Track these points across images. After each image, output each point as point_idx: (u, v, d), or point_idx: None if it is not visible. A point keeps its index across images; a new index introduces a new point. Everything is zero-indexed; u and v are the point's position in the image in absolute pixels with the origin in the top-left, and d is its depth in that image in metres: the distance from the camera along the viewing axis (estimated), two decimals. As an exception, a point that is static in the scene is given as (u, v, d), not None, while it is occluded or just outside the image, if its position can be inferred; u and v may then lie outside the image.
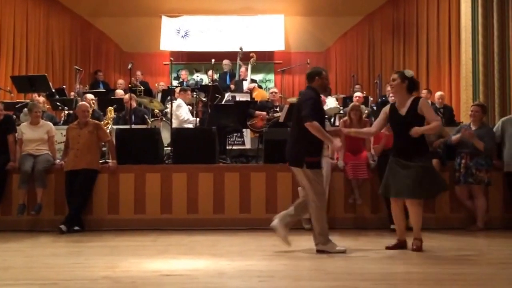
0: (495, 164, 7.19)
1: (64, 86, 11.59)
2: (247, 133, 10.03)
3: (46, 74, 10.36)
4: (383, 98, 11.32)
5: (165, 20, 15.56)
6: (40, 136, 7.42)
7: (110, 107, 8.98)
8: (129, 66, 8.78)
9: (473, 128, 7.17)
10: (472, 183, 7.03)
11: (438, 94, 10.42)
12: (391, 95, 10.54)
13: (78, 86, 10.85)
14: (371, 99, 11.74)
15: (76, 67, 11.27)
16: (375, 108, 11.02)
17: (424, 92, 10.97)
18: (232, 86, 12.13)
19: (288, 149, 5.61)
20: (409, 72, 5.58)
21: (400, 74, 5.55)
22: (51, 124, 7.77)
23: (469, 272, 4.58)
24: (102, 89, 12.42)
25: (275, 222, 5.57)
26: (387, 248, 5.60)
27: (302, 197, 5.73)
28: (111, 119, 8.86)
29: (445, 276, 4.43)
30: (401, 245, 5.61)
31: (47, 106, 9.97)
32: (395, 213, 5.69)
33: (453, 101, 11.18)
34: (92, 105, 9.21)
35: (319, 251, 5.42)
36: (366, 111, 9.85)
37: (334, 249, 5.41)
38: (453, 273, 4.55)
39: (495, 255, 5.54)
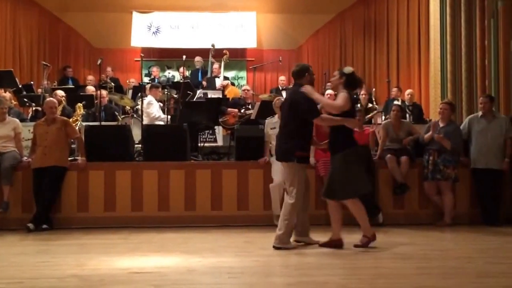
0: (462, 161, 7.33)
1: (32, 82, 11.37)
2: (219, 130, 10.01)
3: (12, 69, 10.18)
4: (355, 96, 11.41)
5: (136, 15, 15.40)
6: (6, 133, 7.28)
7: (79, 104, 8.87)
8: (99, 62, 8.69)
9: (441, 125, 7.29)
10: (440, 180, 7.15)
11: (407, 91, 10.56)
12: (362, 93, 10.68)
13: (45, 82, 10.68)
14: (342, 96, 11.83)
15: (44, 62, 11.09)
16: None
17: (394, 90, 11.12)
18: (204, 83, 12.09)
19: (278, 146, 5.69)
20: (348, 69, 5.62)
21: (340, 71, 5.61)
22: (17, 120, 7.62)
23: (434, 266, 4.67)
24: (71, 86, 12.25)
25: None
26: (320, 245, 5.58)
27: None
28: (80, 115, 8.75)
29: (411, 270, 4.52)
30: (334, 244, 5.52)
31: (14, 102, 9.77)
32: (329, 211, 5.69)
33: (422, 98, 11.32)
34: (63, 102, 9.10)
35: (277, 248, 5.43)
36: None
37: (291, 246, 5.52)
38: (419, 267, 4.64)
39: (461, 249, 5.68)
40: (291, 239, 5.59)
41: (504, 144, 7.28)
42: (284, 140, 5.58)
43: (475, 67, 9.28)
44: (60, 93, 9.44)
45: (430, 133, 7.26)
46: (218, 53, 12.42)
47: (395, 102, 9.36)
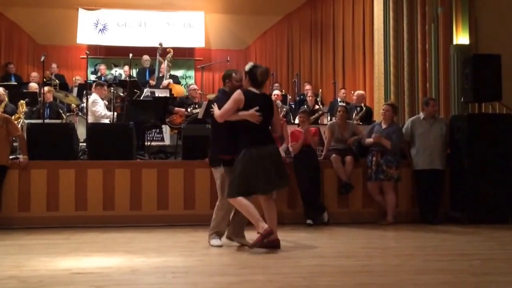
0: (405, 161, 7.52)
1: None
2: (166, 130, 9.95)
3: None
4: (301, 97, 11.56)
5: (82, 12, 15.12)
6: None
7: (21, 101, 8.67)
8: (42, 58, 8.48)
9: (384, 126, 7.47)
10: (383, 180, 7.31)
11: (355, 93, 10.56)
12: (308, 94, 10.81)
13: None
14: (290, 97, 11.96)
15: (-17, 58, 10.76)
16: (293, 106, 11.25)
17: (343, 92, 11.31)
18: (152, 82, 11.98)
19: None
20: (248, 66, 5.40)
21: (244, 71, 5.44)
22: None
23: (376, 264, 4.76)
24: (13, 82, 11.91)
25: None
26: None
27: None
28: (23, 113, 8.55)
29: (353, 268, 4.59)
30: (266, 234, 5.28)
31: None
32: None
33: (367, 100, 11.55)
34: (5, 99, 8.85)
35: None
36: (284, 109, 10.03)
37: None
38: (362, 265, 4.71)
39: (401, 247, 5.82)
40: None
41: (445, 145, 7.56)
42: (211, 146, 5.68)
43: (417, 70, 9.56)
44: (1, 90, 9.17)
45: (371, 139, 7.42)
46: (165, 52, 12.34)
47: (340, 103, 9.51)
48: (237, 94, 5.30)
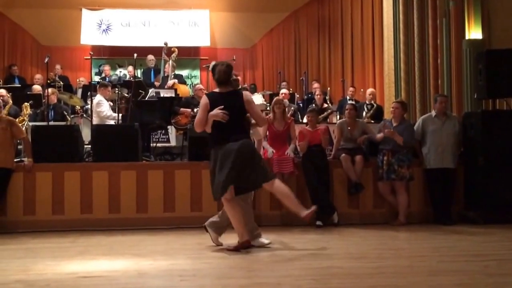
0: (417, 160, 7.38)
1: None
2: (172, 130, 9.87)
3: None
4: (309, 95, 11.45)
5: (85, 13, 15.05)
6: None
7: (25, 103, 8.62)
8: (46, 60, 8.43)
9: (394, 124, 7.33)
10: (395, 180, 7.17)
11: (368, 91, 10.44)
12: (316, 93, 10.69)
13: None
14: (297, 96, 11.85)
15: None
16: (301, 105, 11.13)
17: (351, 90, 11.18)
18: (157, 83, 11.88)
19: None
20: (211, 65, 5.54)
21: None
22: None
23: (388, 265, 4.69)
24: (17, 84, 11.87)
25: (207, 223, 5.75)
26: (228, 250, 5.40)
27: None
28: (27, 115, 8.49)
29: (365, 270, 4.52)
30: (243, 246, 5.34)
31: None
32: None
33: (378, 98, 11.40)
34: (9, 101, 8.80)
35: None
36: (292, 108, 9.92)
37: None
38: (373, 266, 4.63)
39: (414, 248, 5.70)
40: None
41: (458, 143, 7.41)
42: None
43: (428, 66, 9.44)
44: (1, 91, 9.12)
45: (381, 134, 7.29)
46: (170, 52, 12.26)
47: (349, 102, 9.39)
48: (202, 99, 5.49)
